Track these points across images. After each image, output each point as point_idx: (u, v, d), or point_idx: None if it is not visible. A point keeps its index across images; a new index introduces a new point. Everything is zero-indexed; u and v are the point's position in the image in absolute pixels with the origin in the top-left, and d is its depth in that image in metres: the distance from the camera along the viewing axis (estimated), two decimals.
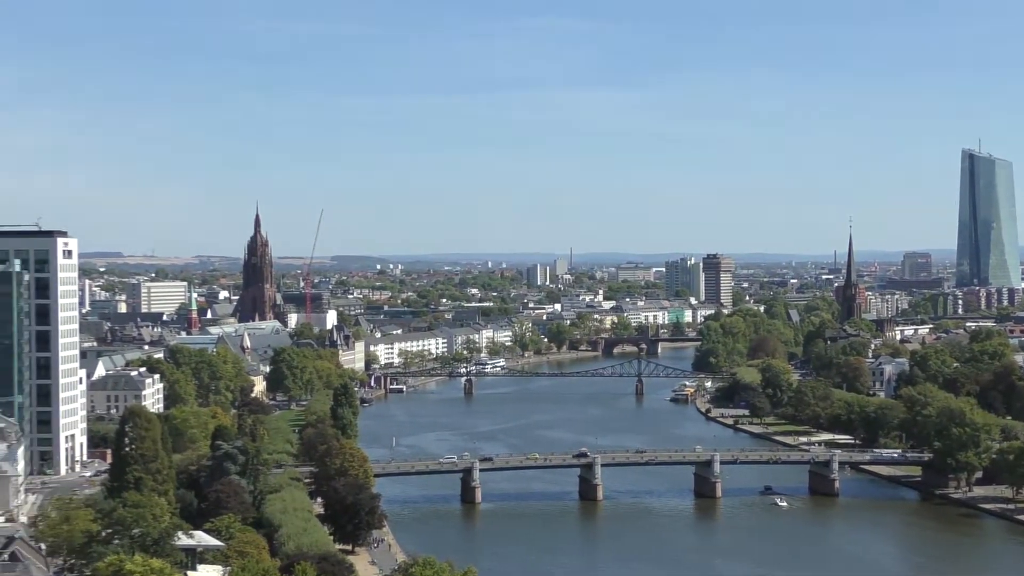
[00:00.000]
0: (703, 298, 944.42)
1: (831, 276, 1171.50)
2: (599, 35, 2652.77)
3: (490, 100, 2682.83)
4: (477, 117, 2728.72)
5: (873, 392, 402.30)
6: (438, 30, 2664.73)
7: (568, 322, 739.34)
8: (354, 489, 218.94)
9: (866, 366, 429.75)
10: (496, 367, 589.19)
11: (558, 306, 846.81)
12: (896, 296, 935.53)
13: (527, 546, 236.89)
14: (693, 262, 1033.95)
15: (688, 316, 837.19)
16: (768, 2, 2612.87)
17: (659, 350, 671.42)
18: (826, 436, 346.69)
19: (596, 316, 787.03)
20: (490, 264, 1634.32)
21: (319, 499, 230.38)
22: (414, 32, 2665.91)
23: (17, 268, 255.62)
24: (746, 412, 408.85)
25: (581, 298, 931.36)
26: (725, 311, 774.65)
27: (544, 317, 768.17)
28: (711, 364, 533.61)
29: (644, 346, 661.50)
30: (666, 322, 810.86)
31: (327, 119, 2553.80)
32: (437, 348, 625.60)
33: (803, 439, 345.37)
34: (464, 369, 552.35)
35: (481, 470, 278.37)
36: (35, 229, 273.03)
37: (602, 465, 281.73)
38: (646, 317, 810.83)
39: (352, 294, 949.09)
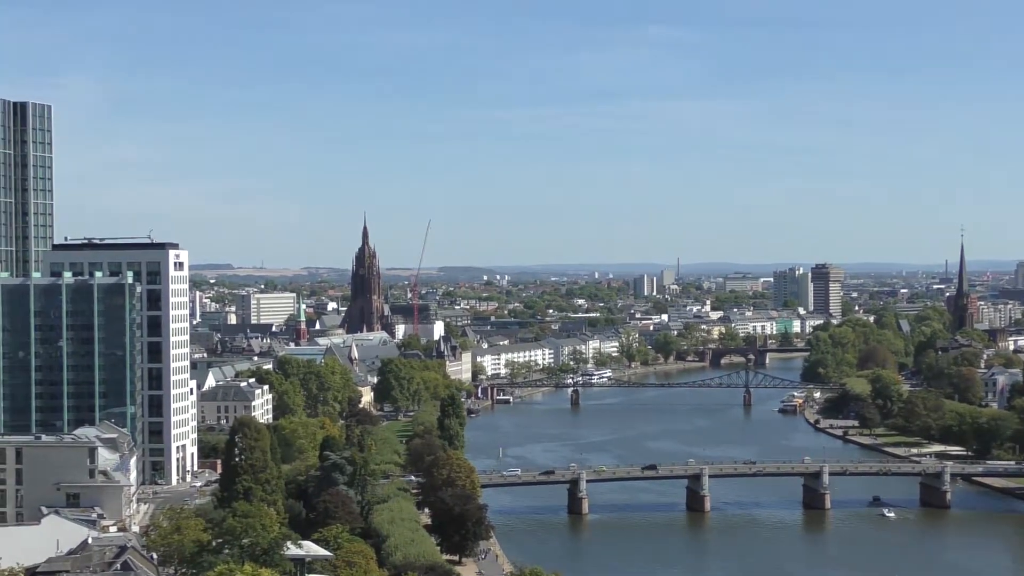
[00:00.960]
0: (811, 308, 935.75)
1: (942, 286, 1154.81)
2: (705, 45, 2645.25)
3: (597, 111, 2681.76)
4: (584, 128, 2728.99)
5: (985, 403, 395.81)
6: (545, 42, 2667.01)
7: (675, 333, 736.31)
8: (461, 500, 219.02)
9: (978, 377, 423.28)
10: (603, 378, 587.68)
11: (665, 316, 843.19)
12: (1009, 306, 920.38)
13: (634, 558, 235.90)
14: (801, 272, 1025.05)
15: (796, 326, 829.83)
16: (874, 9, 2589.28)
17: (767, 361, 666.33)
18: (937, 447, 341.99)
19: (703, 327, 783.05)
20: (597, 275, 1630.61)
21: (426, 510, 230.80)
22: (522, 44, 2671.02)
23: (130, 280, 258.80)
24: (855, 423, 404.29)
25: (688, 308, 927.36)
26: (834, 321, 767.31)
27: (651, 328, 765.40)
28: (820, 375, 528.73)
29: (752, 357, 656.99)
30: (774, 332, 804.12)
31: (435, 131, 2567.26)
32: (543, 359, 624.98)
33: (914, 451, 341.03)
34: (570, 380, 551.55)
35: (588, 481, 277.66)
36: (147, 241, 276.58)
37: (709, 476, 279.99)
38: (754, 328, 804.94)
39: (459, 305, 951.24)
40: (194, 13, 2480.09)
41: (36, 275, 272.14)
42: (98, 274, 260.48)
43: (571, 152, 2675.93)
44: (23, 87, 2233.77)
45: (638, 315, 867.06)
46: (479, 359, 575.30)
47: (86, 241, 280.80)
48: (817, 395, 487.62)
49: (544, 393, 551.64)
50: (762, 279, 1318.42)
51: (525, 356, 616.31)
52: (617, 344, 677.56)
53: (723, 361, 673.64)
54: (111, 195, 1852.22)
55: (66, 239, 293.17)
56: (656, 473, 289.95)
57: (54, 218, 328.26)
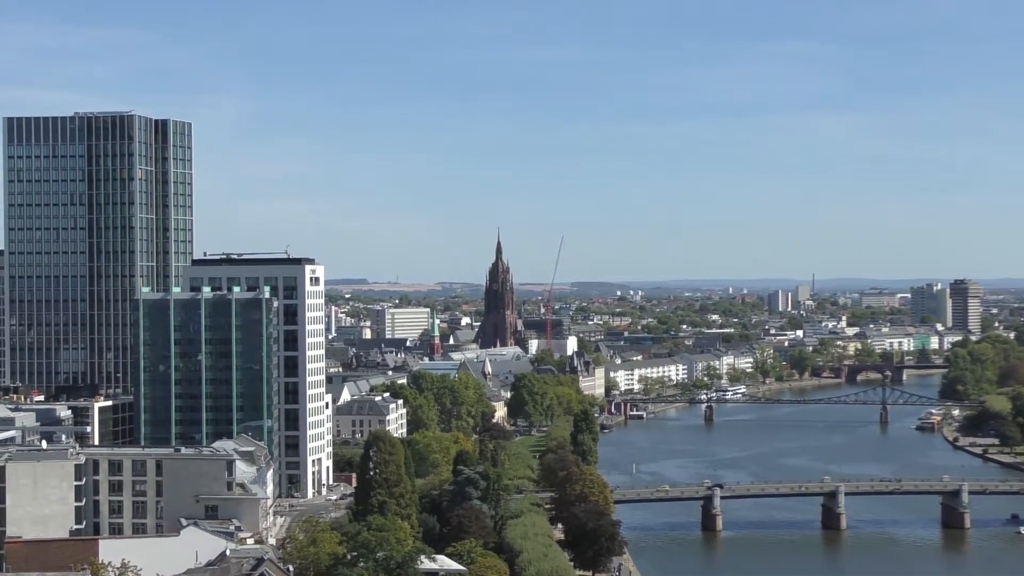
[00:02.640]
0: (950, 324, 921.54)
1: None
2: (838, 58, 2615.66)
3: (730, 125, 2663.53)
4: (716, 142, 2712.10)
5: None
6: (678, 56, 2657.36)
7: (810, 348, 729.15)
8: (594, 515, 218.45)
9: None
10: (737, 394, 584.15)
11: (800, 332, 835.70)
12: None
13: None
14: (939, 287, 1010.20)
15: (934, 343, 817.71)
16: (1009, 20, 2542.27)
17: (904, 377, 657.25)
18: None
19: (839, 342, 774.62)
20: (731, 290, 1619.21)
21: (559, 525, 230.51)
22: (654, 59, 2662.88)
23: (267, 295, 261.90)
24: (995, 441, 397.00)
25: (824, 324, 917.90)
26: (973, 338, 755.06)
27: (786, 343, 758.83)
28: (958, 392, 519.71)
29: (889, 373, 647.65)
30: (911, 349, 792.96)
31: (568, 145, 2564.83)
32: (677, 374, 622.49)
33: None
34: (704, 396, 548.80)
35: (722, 497, 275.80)
36: (284, 256, 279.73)
37: (846, 494, 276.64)
38: (890, 344, 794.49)
39: (592, 320, 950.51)
40: (331, 32, 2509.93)
41: (176, 290, 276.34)
42: (236, 289, 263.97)
43: (704, 166, 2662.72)
44: (165, 106, 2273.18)
45: (772, 331, 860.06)
46: (612, 374, 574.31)
47: (224, 256, 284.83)
48: (956, 413, 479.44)
49: (677, 409, 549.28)
50: (899, 295, 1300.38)
51: (658, 371, 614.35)
52: (751, 360, 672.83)
53: (859, 377, 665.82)
54: (249, 211, 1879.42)
55: (205, 255, 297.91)
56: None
57: (194, 234, 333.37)
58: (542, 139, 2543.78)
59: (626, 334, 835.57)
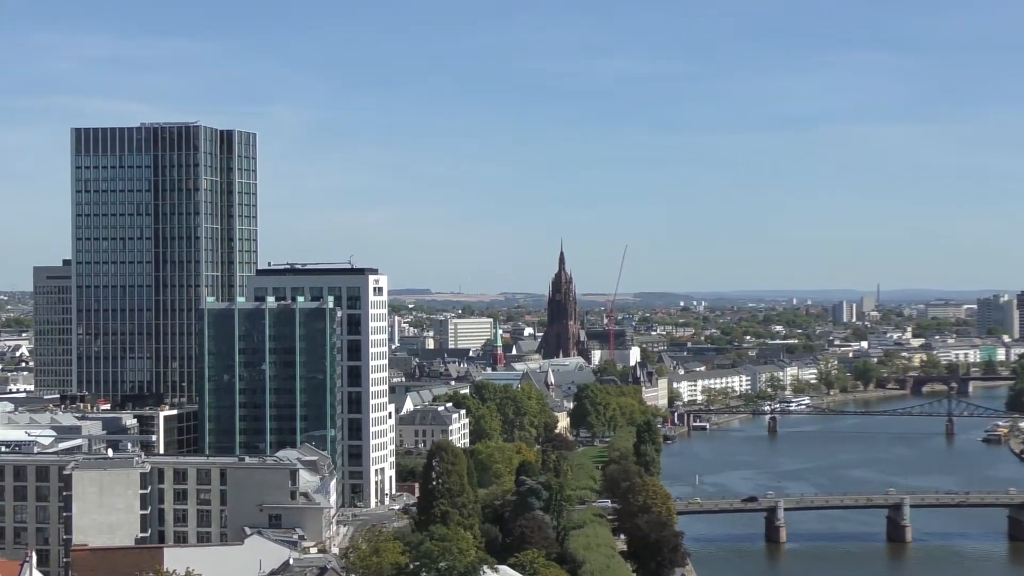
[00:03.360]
0: (1017, 336, 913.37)
1: None
2: (904, 69, 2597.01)
3: (796, 136, 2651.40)
4: (783, 153, 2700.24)
5: None
6: (745, 67, 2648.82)
7: (875, 360, 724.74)
8: (657, 526, 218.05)
9: None
10: (801, 405, 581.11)
11: (865, 343, 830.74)
12: None
13: None
14: (1006, 299, 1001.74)
15: (1001, 354, 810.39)
16: None
17: (970, 389, 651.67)
18: None
19: (904, 354, 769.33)
20: (795, 301, 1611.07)
21: (622, 536, 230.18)
22: (720, 68, 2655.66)
23: (330, 304, 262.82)
24: None
25: (888, 335, 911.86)
26: None
27: (850, 355, 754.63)
28: None
29: (954, 385, 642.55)
30: (978, 360, 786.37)
31: (632, 156, 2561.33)
32: (740, 385, 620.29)
33: None
34: (768, 407, 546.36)
35: (786, 509, 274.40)
36: (348, 266, 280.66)
37: (911, 506, 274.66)
38: (956, 355, 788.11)
39: (655, 331, 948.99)
40: (396, 41, 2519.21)
41: (241, 300, 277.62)
42: (300, 299, 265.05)
43: (771, 177, 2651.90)
44: (230, 116, 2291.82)
45: (837, 342, 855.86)
46: (675, 385, 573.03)
47: (288, 266, 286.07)
48: (1023, 425, 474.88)
49: (741, 420, 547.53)
50: (965, 306, 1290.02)
51: (722, 382, 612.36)
52: (815, 371, 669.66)
53: (924, 389, 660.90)
54: (313, 221, 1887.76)
55: (269, 264, 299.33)
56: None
57: (258, 244, 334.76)
58: (606, 149, 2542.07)
59: (689, 345, 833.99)
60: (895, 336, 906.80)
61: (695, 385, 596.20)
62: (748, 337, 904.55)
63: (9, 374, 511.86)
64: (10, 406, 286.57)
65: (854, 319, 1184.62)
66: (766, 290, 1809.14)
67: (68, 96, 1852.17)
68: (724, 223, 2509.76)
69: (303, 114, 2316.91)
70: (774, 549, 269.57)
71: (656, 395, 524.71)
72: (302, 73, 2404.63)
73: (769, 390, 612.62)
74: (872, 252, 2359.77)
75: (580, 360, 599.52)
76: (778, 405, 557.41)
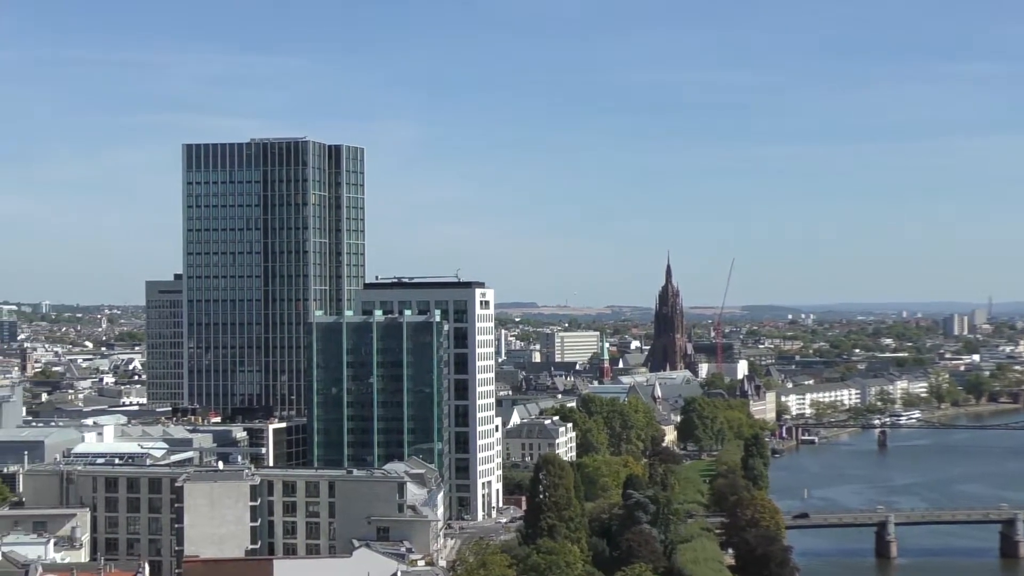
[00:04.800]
0: None
1: None
2: (1011, 77, 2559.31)
3: (906, 147, 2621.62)
4: (889, 165, 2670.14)
5: None
6: (851, 76, 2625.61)
7: (987, 373, 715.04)
8: (765, 540, 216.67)
9: None
10: (911, 419, 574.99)
11: (976, 357, 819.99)
12: None
13: None
14: None
15: None
16: None
17: None
18: None
19: (1017, 367, 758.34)
20: (904, 314, 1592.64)
21: (730, 550, 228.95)
22: (828, 78, 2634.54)
23: (437, 318, 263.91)
24: None
25: (1001, 349, 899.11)
26: None
27: (961, 368, 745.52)
28: None
29: None
30: None
31: (739, 168, 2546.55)
32: (849, 399, 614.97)
33: None
34: (877, 421, 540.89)
35: (897, 524, 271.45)
36: (455, 280, 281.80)
37: None
38: None
39: (763, 344, 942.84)
40: (501, 57, 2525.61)
41: (348, 313, 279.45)
42: (407, 312, 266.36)
43: (879, 188, 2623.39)
44: (338, 131, 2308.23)
45: (948, 355, 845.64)
46: (783, 398, 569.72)
47: (396, 280, 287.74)
48: None
49: (850, 434, 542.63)
50: None
51: (830, 396, 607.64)
52: (926, 384, 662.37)
53: None
54: (420, 234, 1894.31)
55: (377, 278, 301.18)
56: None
57: (366, 258, 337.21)
58: (712, 161, 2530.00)
59: (797, 358, 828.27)
60: (1008, 349, 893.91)
61: (803, 399, 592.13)
62: (857, 350, 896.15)
63: (122, 387, 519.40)
64: (123, 419, 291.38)
65: (965, 332, 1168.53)
66: (875, 303, 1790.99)
67: (180, 113, 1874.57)
68: (832, 235, 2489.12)
69: (412, 128, 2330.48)
70: (884, 564, 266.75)
71: (764, 408, 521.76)
72: (409, 88, 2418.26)
73: (879, 404, 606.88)
74: (984, 264, 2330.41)
75: (687, 373, 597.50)
76: (888, 419, 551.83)
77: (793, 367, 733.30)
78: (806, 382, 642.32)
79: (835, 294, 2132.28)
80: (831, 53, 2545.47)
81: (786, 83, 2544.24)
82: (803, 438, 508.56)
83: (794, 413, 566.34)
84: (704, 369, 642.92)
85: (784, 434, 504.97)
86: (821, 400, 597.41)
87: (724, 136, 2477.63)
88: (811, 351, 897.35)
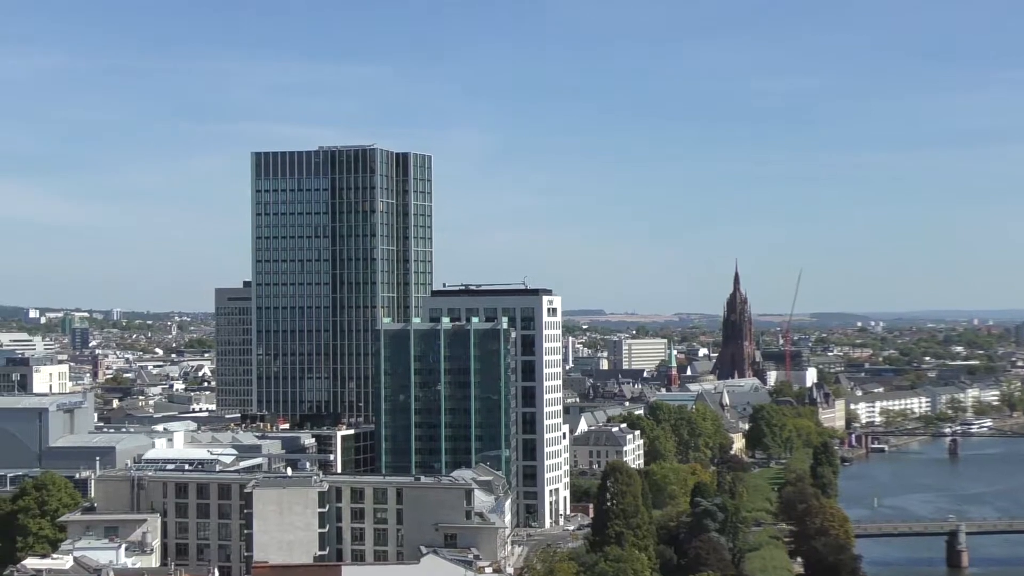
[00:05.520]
0: None
1: None
2: None
3: (974, 153, 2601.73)
4: (959, 171, 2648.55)
5: None
6: (920, 82, 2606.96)
7: None
8: (834, 549, 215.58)
9: None
10: (982, 427, 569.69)
11: None
12: None
13: None
14: None
15: None
16: None
17: None
18: None
19: None
20: (976, 321, 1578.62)
21: (799, 558, 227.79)
22: (894, 85, 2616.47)
23: (504, 325, 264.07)
24: None
25: None
26: None
27: None
28: None
29: None
30: None
31: (807, 174, 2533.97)
32: (920, 407, 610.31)
33: None
34: (948, 429, 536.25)
35: (968, 533, 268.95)
36: (522, 287, 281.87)
37: None
38: None
39: (832, 351, 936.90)
40: (567, 63, 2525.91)
41: (416, 321, 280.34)
42: (474, 319, 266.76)
43: (948, 194, 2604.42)
44: (406, 139, 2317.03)
45: (1020, 363, 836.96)
46: (852, 406, 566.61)
47: (463, 287, 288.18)
48: None
49: (920, 442, 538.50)
50: None
51: (900, 404, 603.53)
52: (997, 392, 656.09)
53: None
54: (487, 242, 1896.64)
55: (444, 285, 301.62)
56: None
57: (433, 265, 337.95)
58: (780, 168, 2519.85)
59: (867, 365, 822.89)
60: None
61: (873, 406, 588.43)
62: (927, 358, 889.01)
63: (192, 394, 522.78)
64: (193, 425, 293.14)
65: None
66: (946, 310, 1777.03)
67: (249, 121, 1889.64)
68: (902, 242, 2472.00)
69: (478, 136, 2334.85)
70: (955, 574, 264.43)
71: (833, 416, 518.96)
72: (477, 95, 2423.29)
73: (949, 412, 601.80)
74: None
75: (755, 381, 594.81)
76: (959, 427, 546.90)
77: (862, 375, 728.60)
78: (876, 390, 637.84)
79: (905, 301, 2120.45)
80: (901, 58, 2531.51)
81: (855, 89, 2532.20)
82: (873, 446, 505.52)
83: (863, 421, 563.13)
84: (772, 377, 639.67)
85: (853, 442, 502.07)
86: (891, 408, 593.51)
87: (793, 143, 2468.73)
88: (881, 359, 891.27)
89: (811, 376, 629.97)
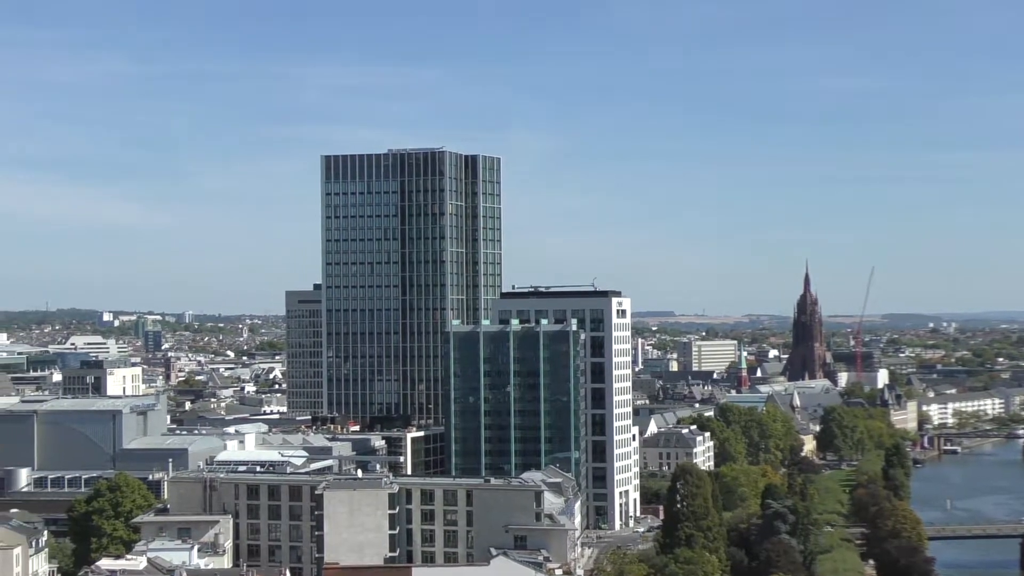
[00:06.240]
0: None
1: None
2: None
3: None
4: None
5: None
6: (990, 83, 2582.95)
7: None
8: (907, 552, 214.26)
9: None
10: None
11: None
12: None
13: None
14: None
15: None
16: None
17: None
18: None
19: None
20: None
21: (871, 561, 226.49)
22: (965, 85, 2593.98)
23: (574, 327, 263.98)
24: None
25: None
26: None
27: None
28: None
29: None
30: None
31: (877, 175, 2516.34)
32: (993, 408, 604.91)
33: None
34: (1022, 431, 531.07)
35: None
36: (591, 289, 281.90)
37: None
38: None
39: (903, 353, 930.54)
40: (632, 64, 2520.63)
41: (485, 323, 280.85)
42: (544, 321, 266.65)
43: (1018, 195, 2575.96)
44: (474, 142, 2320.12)
45: None
46: (924, 408, 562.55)
47: (532, 289, 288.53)
48: None
49: (994, 444, 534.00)
50: None
51: (973, 405, 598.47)
52: None
53: None
54: (557, 244, 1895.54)
55: (513, 287, 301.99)
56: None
57: (502, 267, 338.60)
58: (850, 169, 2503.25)
59: (939, 367, 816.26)
60: None
61: (945, 408, 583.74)
62: (1001, 359, 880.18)
63: (263, 396, 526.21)
64: (264, 427, 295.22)
65: None
66: (1018, 311, 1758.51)
67: (318, 125, 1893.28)
68: (974, 242, 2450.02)
69: (547, 138, 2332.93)
70: None
71: (905, 418, 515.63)
72: (545, 98, 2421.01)
73: (1023, 413, 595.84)
74: None
75: (826, 382, 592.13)
76: None
77: (935, 376, 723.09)
78: (948, 391, 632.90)
79: (978, 302, 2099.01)
80: (972, 57, 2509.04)
81: (927, 89, 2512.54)
82: (945, 448, 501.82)
83: (936, 423, 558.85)
84: (843, 378, 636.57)
85: (926, 444, 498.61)
86: (964, 410, 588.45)
87: (862, 143, 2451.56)
88: (953, 360, 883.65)
89: (882, 377, 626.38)
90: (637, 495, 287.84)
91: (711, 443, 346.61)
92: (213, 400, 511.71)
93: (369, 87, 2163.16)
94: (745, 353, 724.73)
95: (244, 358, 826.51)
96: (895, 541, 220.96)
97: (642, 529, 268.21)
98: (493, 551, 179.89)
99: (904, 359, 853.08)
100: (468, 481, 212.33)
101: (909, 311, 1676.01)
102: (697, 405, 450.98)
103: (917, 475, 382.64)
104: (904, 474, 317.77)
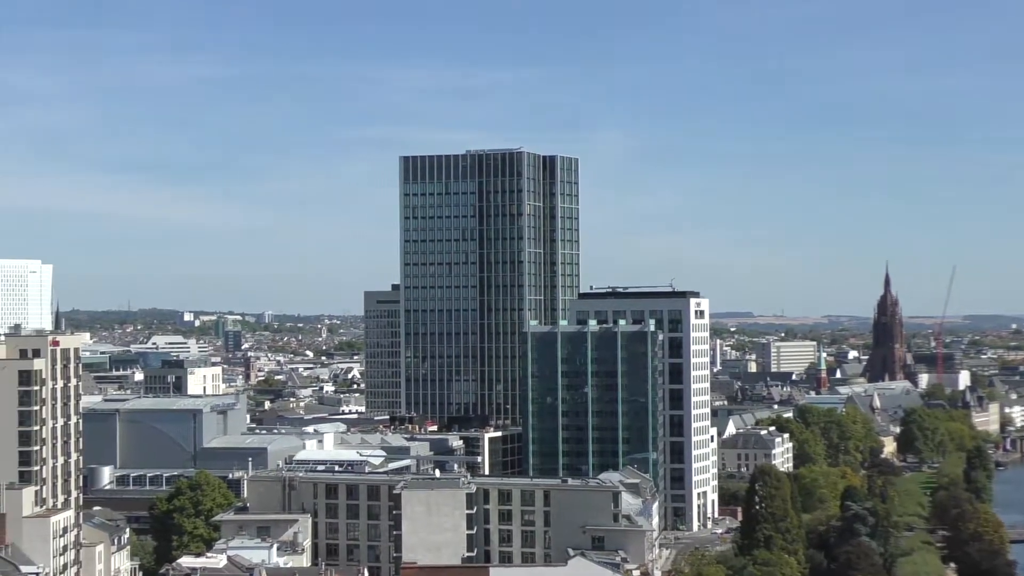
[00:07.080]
0: None
1: None
2: None
3: None
4: None
5: None
6: None
7: None
8: (989, 555, 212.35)
9: None
10: None
11: None
12: None
13: None
14: None
15: None
16: None
17: None
18: None
19: None
20: None
21: (952, 564, 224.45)
22: None
23: (652, 328, 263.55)
24: None
25: None
26: None
27: None
28: None
29: None
30: None
31: (957, 174, 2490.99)
32: None
33: None
34: None
35: None
36: (669, 290, 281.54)
37: None
38: None
39: (985, 354, 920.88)
40: (716, 66, 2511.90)
41: (563, 323, 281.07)
42: (621, 322, 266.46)
43: None
44: (552, 142, 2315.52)
45: None
46: (1007, 410, 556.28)
47: (610, 290, 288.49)
48: None
49: None
50: None
51: None
52: None
53: None
54: (634, 244, 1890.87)
55: (591, 288, 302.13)
56: None
57: (580, 268, 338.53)
58: (930, 169, 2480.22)
59: (1022, 368, 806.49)
60: None
61: None
62: None
63: (341, 396, 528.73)
64: (343, 427, 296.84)
65: None
66: None
67: (397, 126, 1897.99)
68: None
69: (625, 138, 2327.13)
70: None
71: (987, 420, 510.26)
72: (623, 98, 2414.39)
73: None
74: None
75: (906, 384, 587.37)
76: None
77: (1017, 378, 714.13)
78: None
79: None
80: None
81: (1014, 89, 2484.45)
82: None
83: (1018, 425, 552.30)
84: (924, 380, 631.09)
85: (1008, 446, 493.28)
86: None
87: (942, 141, 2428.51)
88: None
89: (964, 379, 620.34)
90: (715, 496, 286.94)
91: (790, 444, 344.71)
92: (292, 400, 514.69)
93: (448, 88, 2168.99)
94: (824, 354, 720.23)
95: (323, 358, 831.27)
96: (976, 544, 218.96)
97: (720, 530, 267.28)
98: (570, 551, 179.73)
99: (986, 360, 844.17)
100: (545, 481, 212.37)
101: (991, 312, 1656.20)
102: (776, 406, 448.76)
103: (999, 478, 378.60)
104: (986, 476, 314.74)
